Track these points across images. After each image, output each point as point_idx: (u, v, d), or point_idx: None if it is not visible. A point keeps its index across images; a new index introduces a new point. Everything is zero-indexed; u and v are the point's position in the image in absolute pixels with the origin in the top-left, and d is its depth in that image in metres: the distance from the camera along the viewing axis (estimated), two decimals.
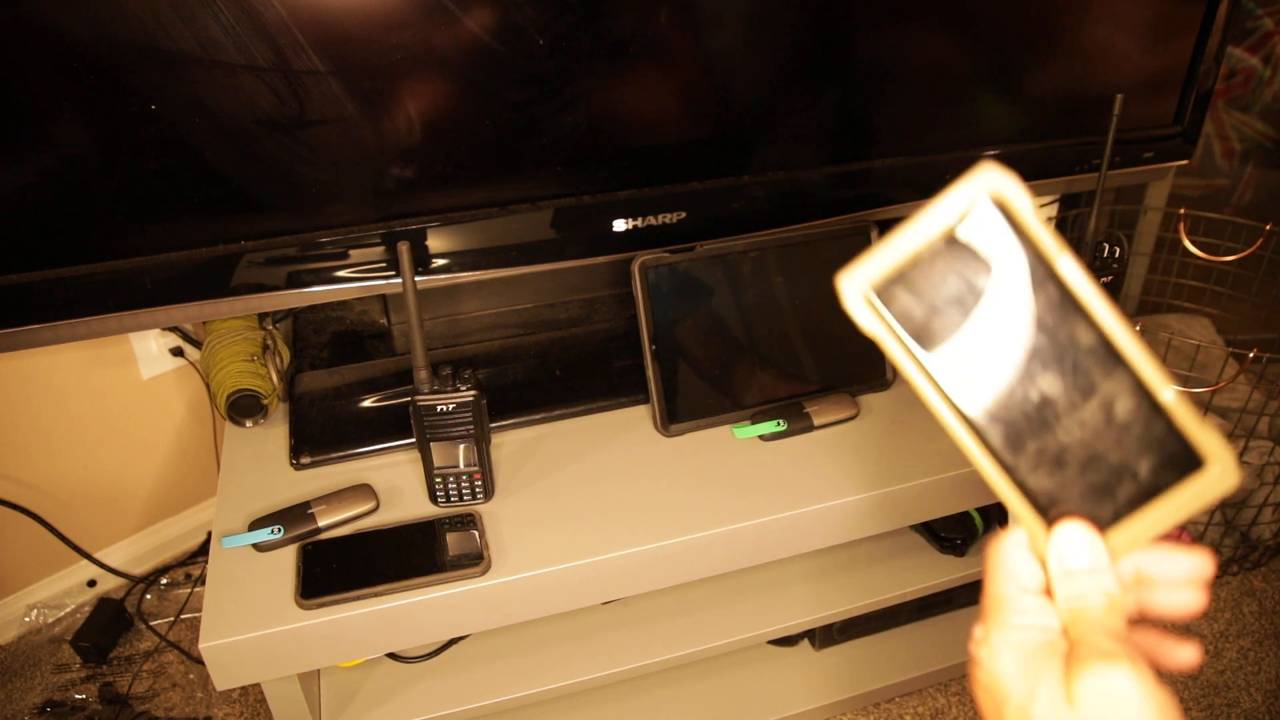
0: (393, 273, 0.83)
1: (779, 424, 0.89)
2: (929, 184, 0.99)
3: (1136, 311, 1.59)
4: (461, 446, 0.77)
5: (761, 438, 0.89)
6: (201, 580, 1.26)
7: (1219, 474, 0.31)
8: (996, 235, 0.31)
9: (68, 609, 1.22)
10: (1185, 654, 0.34)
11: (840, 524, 0.84)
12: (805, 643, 1.09)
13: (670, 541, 0.78)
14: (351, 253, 0.81)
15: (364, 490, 0.81)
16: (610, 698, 1.01)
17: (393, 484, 0.83)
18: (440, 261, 0.84)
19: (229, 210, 0.76)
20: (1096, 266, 0.92)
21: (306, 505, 0.78)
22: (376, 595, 0.72)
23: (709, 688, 1.03)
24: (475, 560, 0.74)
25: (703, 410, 0.90)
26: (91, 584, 1.24)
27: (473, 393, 0.74)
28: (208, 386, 0.95)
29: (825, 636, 1.07)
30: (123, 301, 0.76)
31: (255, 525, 0.77)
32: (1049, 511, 0.33)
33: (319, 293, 0.82)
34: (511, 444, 0.89)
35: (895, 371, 0.96)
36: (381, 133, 0.76)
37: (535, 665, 0.88)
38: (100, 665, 1.15)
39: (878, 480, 0.84)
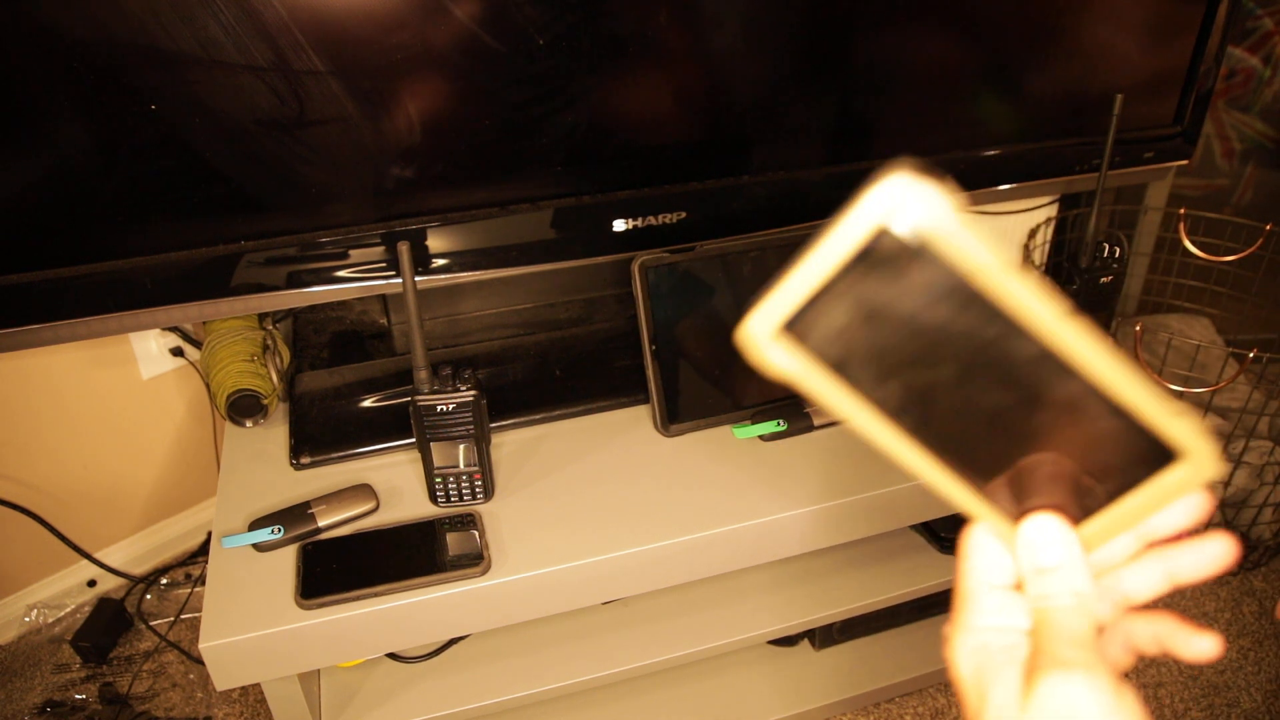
0: (393, 273, 0.83)
1: (779, 424, 0.89)
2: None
3: (1136, 311, 1.59)
4: (461, 446, 0.77)
5: (761, 438, 0.89)
6: (201, 580, 1.26)
7: (1196, 463, 0.30)
8: (912, 249, 0.27)
9: (68, 609, 1.22)
10: (1204, 644, 0.31)
11: (840, 524, 0.84)
12: (805, 643, 1.09)
13: (670, 541, 0.78)
14: (351, 253, 0.81)
15: (364, 490, 0.81)
16: (610, 698, 1.01)
17: (393, 484, 0.83)
18: (440, 261, 0.84)
19: (229, 210, 0.76)
20: (1096, 266, 0.92)
21: (306, 505, 0.78)
22: (376, 595, 0.72)
23: (709, 688, 1.03)
24: (475, 560, 0.74)
25: (703, 410, 0.90)
26: (91, 584, 1.24)
27: (473, 393, 0.74)
28: (208, 386, 0.95)
29: (825, 636, 1.07)
30: (123, 301, 0.76)
31: (255, 525, 0.77)
32: (1017, 507, 0.32)
33: (319, 293, 0.82)
34: (511, 444, 0.89)
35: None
36: (381, 133, 0.76)
37: (535, 665, 0.88)
38: (100, 665, 1.15)
39: (878, 480, 0.84)
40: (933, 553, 1.00)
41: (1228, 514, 1.27)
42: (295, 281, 0.81)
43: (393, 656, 0.89)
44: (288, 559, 0.75)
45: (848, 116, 0.93)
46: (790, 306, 0.29)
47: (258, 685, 0.89)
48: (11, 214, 0.70)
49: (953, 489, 0.31)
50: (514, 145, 0.81)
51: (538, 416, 0.91)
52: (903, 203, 0.27)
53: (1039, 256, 1.47)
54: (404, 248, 0.71)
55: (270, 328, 0.99)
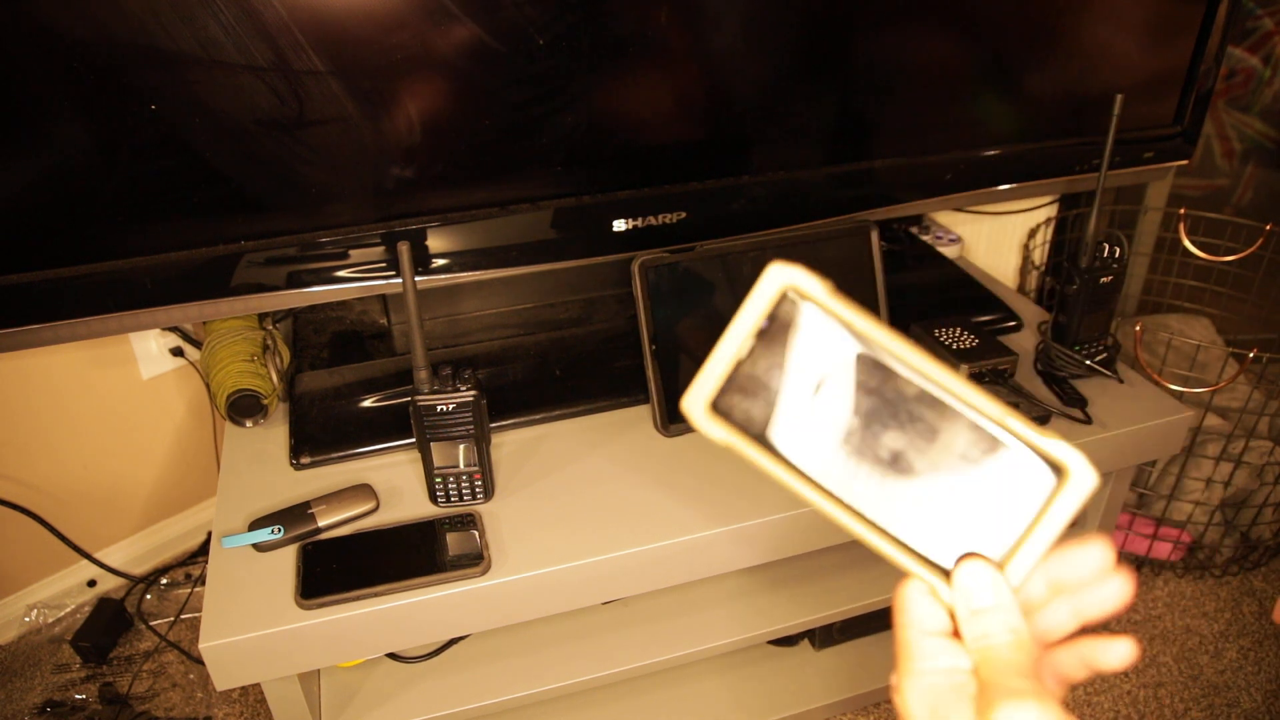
0: (393, 273, 0.83)
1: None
2: (929, 184, 1.00)
3: (1136, 311, 1.59)
4: (461, 446, 0.77)
5: None
6: (201, 580, 1.26)
7: (1078, 475, 0.32)
8: (800, 321, 0.33)
9: (68, 609, 1.22)
10: (1120, 651, 0.34)
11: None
12: (805, 643, 1.09)
13: (670, 541, 0.78)
14: (351, 253, 0.81)
15: (364, 490, 0.81)
16: (610, 698, 1.01)
17: (393, 484, 0.83)
18: (440, 261, 0.84)
19: (229, 210, 0.76)
20: (1096, 266, 0.92)
21: (306, 505, 0.78)
22: (376, 595, 0.72)
23: (709, 688, 1.03)
24: (475, 560, 0.74)
25: None
26: (91, 584, 1.24)
27: (473, 393, 0.74)
28: (208, 386, 0.95)
29: (825, 636, 1.07)
30: (123, 301, 0.76)
31: (255, 525, 0.77)
32: (943, 558, 0.34)
33: (319, 293, 0.82)
34: (511, 444, 0.89)
35: None
36: (381, 133, 0.76)
37: (535, 665, 0.88)
38: (100, 665, 1.15)
39: None
40: None
41: (1228, 514, 1.27)
42: (295, 281, 0.81)
43: (393, 656, 0.89)
44: (288, 559, 0.75)
45: (848, 117, 0.93)
46: (714, 384, 0.34)
47: (258, 685, 0.89)
48: (11, 214, 0.70)
49: (881, 544, 0.34)
50: (514, 145, 0.81)
51: (538, 416, 0.91)
52: (784, 282, 0.34)
53: (1039, 256, 1.47)
54: (404, 248, 0.71)
55: (270, 328, 0.99)
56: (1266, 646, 1.20)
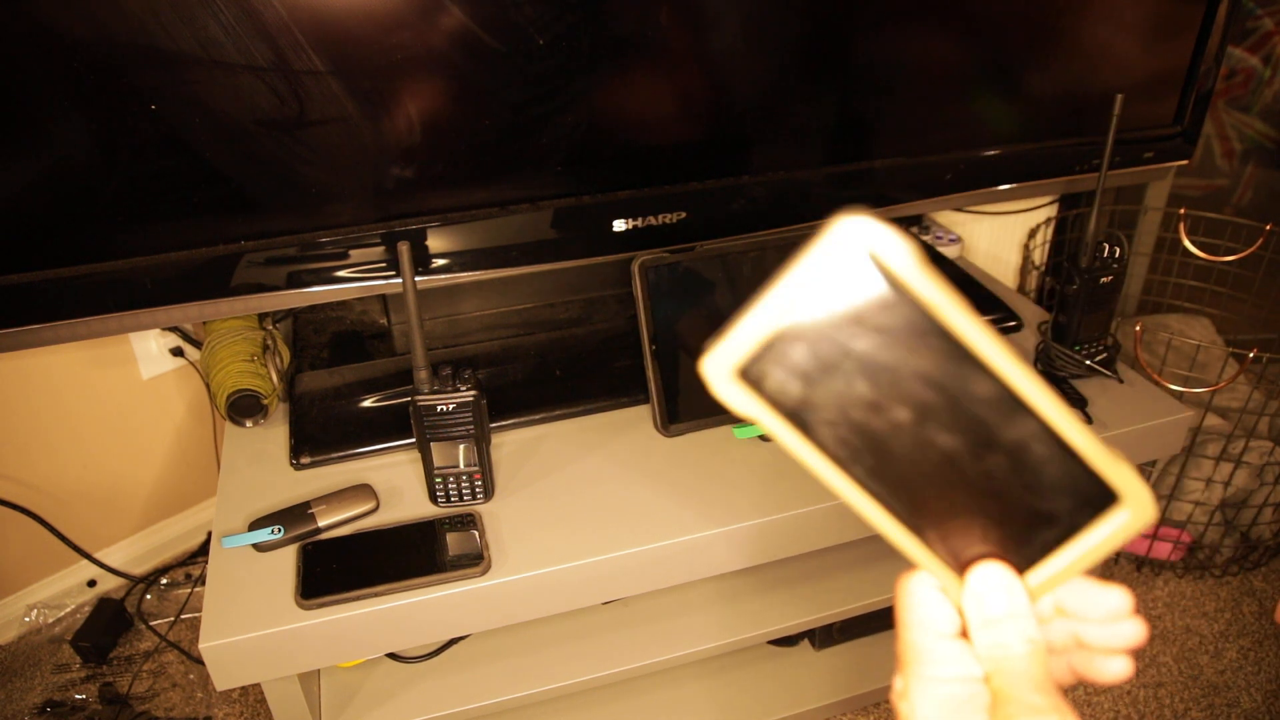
0: (393, 273, 0.83)
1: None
2: (929, 184, 1.00)
3: (1136, 311, 1.59)
4: (461, 446, 0.77)
5: (761, 438, 0.89)
6: (201, 580, 1.26)
7: (1135, 509, 0.30)
8: (871, 291, 0.27)
9: (68, 609, 1.22)
10: (1116, 666, 0.32)
11: (840, 524, 0.84)
12: (805, 643, 1.09)
13: (670, 541, 0.78)
14: (351, 253, 0.81)
15: (364, 490, 0.81)
16: (610, 698, 1.01)
17: (393, 484, 0.83)
18: (440, 261, 0.84)
19: (229, 210, 0.76)
20: (1096, 266, 0.92)
21: (306, 505, 0.78)
22: (376, 595, 0.72)
23: (709, 688, 1.03)
24: (475, 560, 0.74)
25: (703, 410, 0.90)
26: (91, 584, 1.24)
27: (473, 393, 0.74)
28: (208, 386, 0.95)
29: (825, 636, 1.07)
30: (123, 301, 0.76)
31: (255, 525, 0.77)
32: (961, 558, 0.32)
33: (319, 293, 0.82)
34: (511, 444, 0.89)
35: None
36: (381, 133, 0.76)
37: (535, 665, 0.88)
38: (100, 665, 1.15)
39: None
40: None
41: (1228, 514, 1.27)
42: (295, 281, 0.81)
43: (393, 656, 0.89)
44: (288, 559, 0.75)
45: (848, 117, 0.93)
46: (746, 348, 0.29)
47: (258, 685, 0.89)
48: (12, 214, 0.70)
49: (901, 538, 0.32)
50: (514, 145, 0.81)
51: (538, 416, 0.91)
52: (861, 242, 0.27)
53: (1039, 256, 1.47)
54: (404, 248, 0.71)
55: (270, 328, 0.99)
56: (1266, 646, 1.20)
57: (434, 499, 0.80)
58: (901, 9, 0.88)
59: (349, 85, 0.73)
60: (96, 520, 1.23)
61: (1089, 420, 0.91)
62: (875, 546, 1.01)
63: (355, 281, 0.82)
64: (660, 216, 0.89)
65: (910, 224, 1.32)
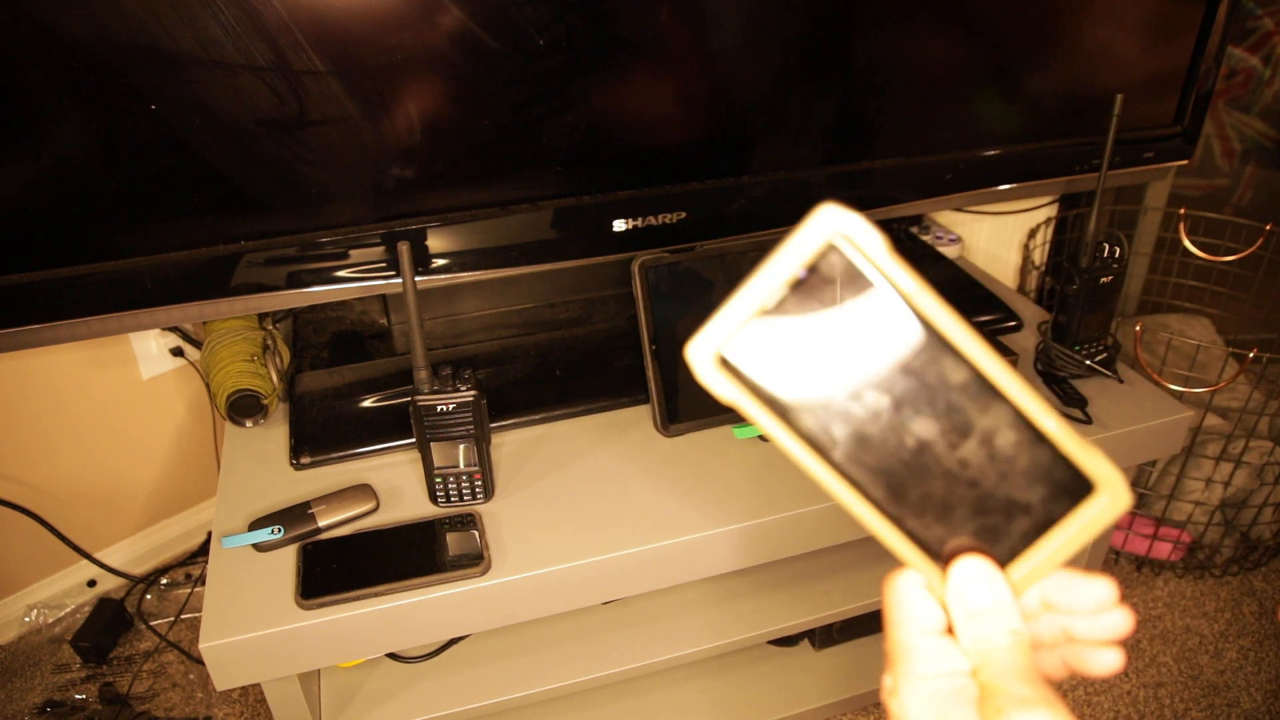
0: (393, 273, 0.83)
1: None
2: (929, 184, 1.00)
3: (1136, 311, 1.59)
4: (461, 446, 0.77)
5: (761, 438, 0.89)
6: (201, 580, 1.26)
7: (1111, 496, 0.31)
8: (847, 279, 0.29)
9: (68, 609, 1.22)
10: (1107, 658, 0.32)
11: (840, 524, 0.84)
12: (805, 643, 1.09)
13: (670, 541, 0.78)
14: (351, 253, 0.81)
15: (364, 490, 0.81)
16: (610, 698, 1.01)
17: (393, 484, 0.83)
18: (440, 261, 0.84)
19: (229, 210, 0.76)
20: (1096, 266, 0.92)
21: (306, 505, 0.78)
22: (376, 595, 0.72)
23: (709, 688, 1.03)
24: (475, 560, 0.74)
25: (703, 410, 0.90)
26: (91, 584, 1.24)
27: (473, 393, 0.74)
28: (208, 386, 0.95)
29: (825, 636, 1.07)
30: (123, 301, 0.76)
31: (255, 525, 0.77)
32: (942, 552, 0.32)
33: (319, 293, 0.82)
34: (511, 444, 0.89)
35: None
36: (381, 133, 0.76)
37: (535, 665, 0.88)
38: (100, 665, 1.15)
39: None
40: None
41: (1228, 514, 1.27)
42: (295, 281, 0.81)
43: (393, 656, 0.89)
44: (288, 559, 0.75)
45: (848, 116, 0.93)
46: (728, 334, 0.30)
47: (258, 685, 0.89)
48: (12, 214, 0.70)
49: (882, 529, 0.32)
50: (514, 145, 0.81)
51: (538, 416, 0.91)
52: (835, 230, 0.28)
53: (1039, 256, 1.47)
54: (404, 248, 0.71)
55: (270, 328, 0.99)
56: (1266, 646, 1.20)
57: (434, 499, 0.80)
58: (901, 9, 0.88)
59: (349, 85, 0.73)
60: (96, 520, 1.23)
61: (1089, 420, 0.91)
62: (874, 547, 1.00)
63: (355, 281, 0.82)
64: (660, 216, 0.89)
65: (910, 224, 1.33)
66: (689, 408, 0.90)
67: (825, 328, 0.29)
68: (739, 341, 0.30)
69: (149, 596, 1.25)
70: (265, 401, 0.90)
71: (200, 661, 1.14)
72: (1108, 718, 1.11)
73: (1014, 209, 1.46)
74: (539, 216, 0.85)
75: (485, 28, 0.75)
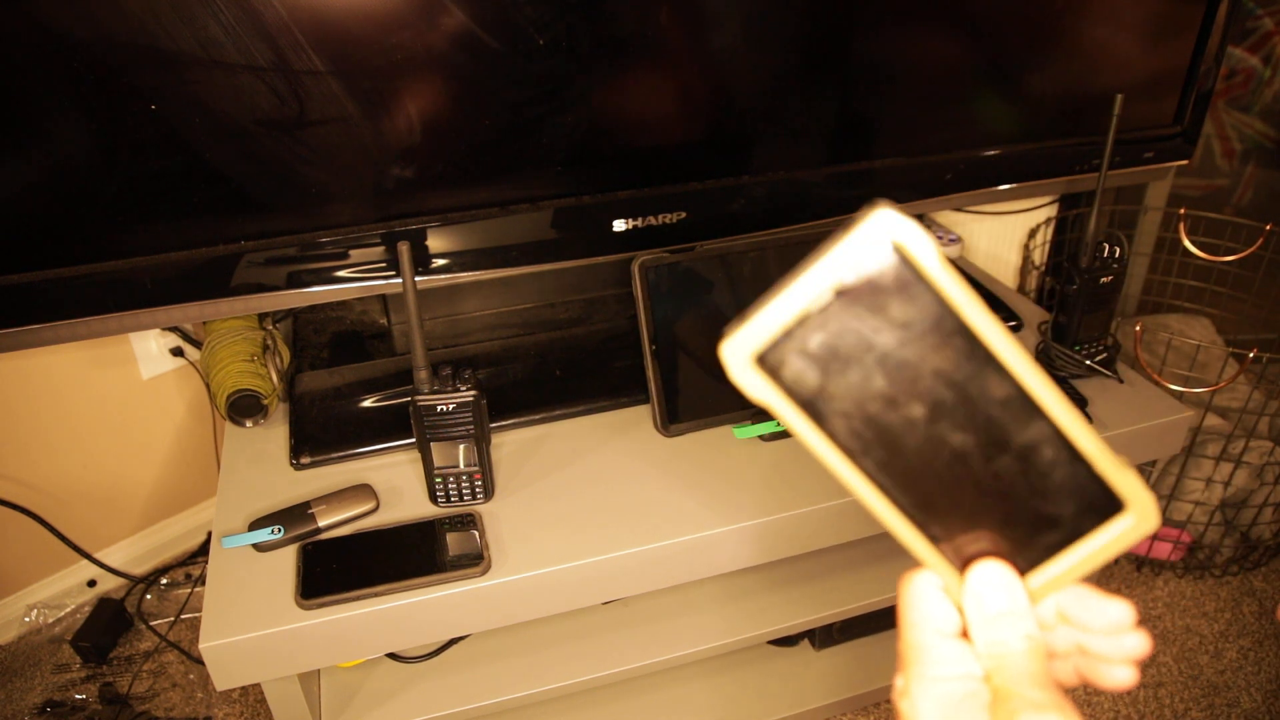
0: (393, 273, 0.83)
1: (779, 424, 0.89)
2: (929, 184, 1.00)
3: (1136, 311, 1.59)
4: (461, 446, 0.77)
5: (761, 438, 0.89)
6: (201, 580, 1.26)
7: (1140, 517, 0.31)
8: (895, 285, 0.28)
9: (68, 609, 1.22)
10: (1120, 674, 0.33)
11: (840, 524, 0.84)
12: (805, 643, 1.09)
13: (670, 541, 0.78)
14: (351, 253, 0.81)
15: (364, 490, 0.81)
16: (610, 698, 1.01)
17: (393, 484, 0.83)
18: (440, 261, 0.84)
19: (229, 210, 0.76)
20: (1096, 266, 0.92)
21: (306, 505, 0.78)
22: (376, 595, 0.72)
23: (709, 688, 1.03)
24: (475, 560, 0.74)
25: (703, 410, 0.90)
26: (91, 584, 1.24)
27: (473, 393, 0.74)
28: (208, 386, 0.95)
29: (825, 636, 1.07)
30: (123, 301, 0.76)
31: (255, 525, 0.77)
32: (962, 555, 0.32)
33: (319, 293, 0.82)
34: (511, 444, 0.89)
35: None
36: (381, 133, 0.76)
37: (535, 665, 0.88)
38: (100, 665, 1.15)
39: None
40: None
41: (1228, 514, 1.27)
42: (295, 281, 0.81)
43: (393, 656, 0.89)
44: (288, 559, 0.75)
45: (848, 116, 0.93)
46: (767, 335, 0.29)
47: (258, 685, 0.89)
48: (12, 214, 0.70)
49: (906, 533, 0.32)
50: (514, 145, 0.81)
51: (538, 416, 0.91)
52: (888, 236, 0.27)
53: (1039, 256, 1.47)
54: (404, 248, 0.71)
55: (270, 328, 0.99)
56: (1266, 646, 1.20)
57: (434, 499, 0.80)
58: (901, 9, 0.88)
59: (349, 85, 0.73)
60: (96, 520, 1.23)
61: (1089, 420, 0.91)
62: (876, 546, 1.01)
63: (355, 281, 0.82)
64: (660, 216, 0.89)
65: None
66: (689, 408, 0.90)
67: (869, 334, 0.29)
68: (777, 343, 0.29)
69: (149, 596, 1.25)
70: (265, 401, 0.90)
71: (200, 661, 1.14)
72: (1108, 717, 1.11)
73: (1014, 209, 1.46)
74: (539, 216, 0.85)
75: (485, 28, 0.75)
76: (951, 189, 1.01)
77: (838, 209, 0.96)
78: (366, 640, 0.73)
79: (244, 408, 0.90)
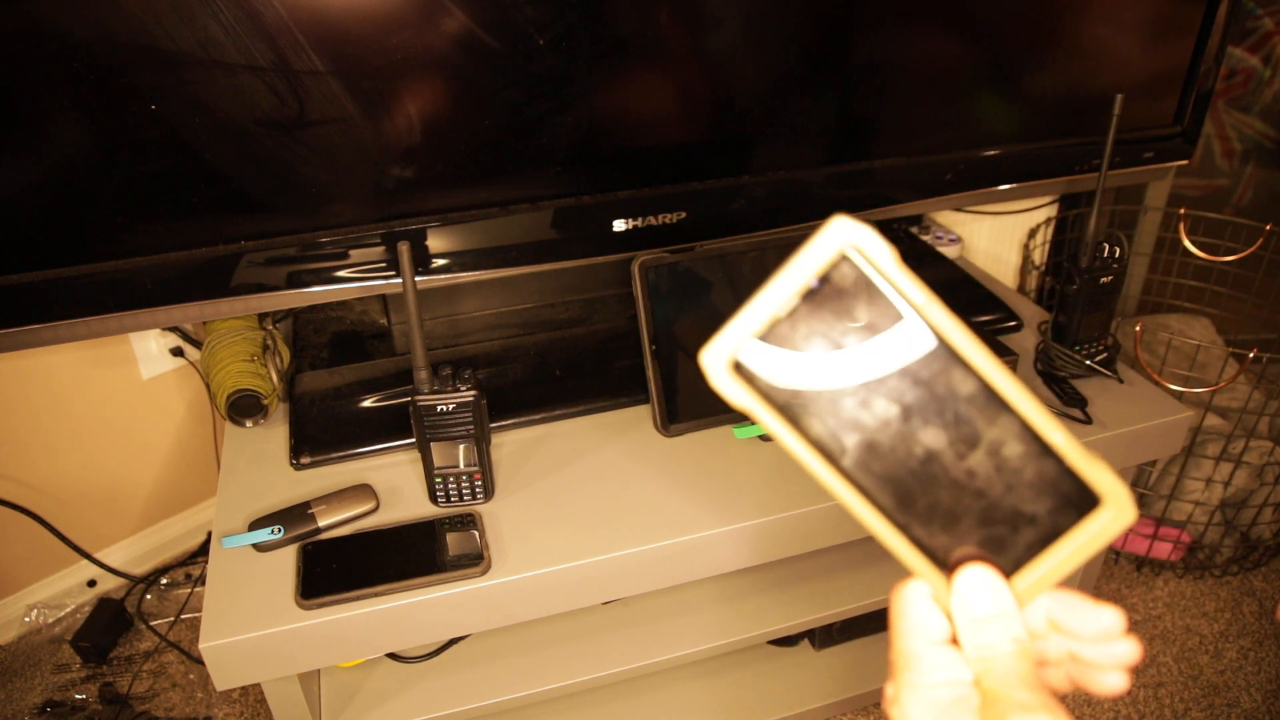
0: (393, 273, 0.83)
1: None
2: (929, 184, 1.00)
3: (1136, 311, 1.59)
4: (461, 446, 0.77)
5: (761, 438, 0.89)
6: (201, 580, 1.26)
7: (1116, 511, 0.31)
8: (857, 290, 0.30)
9: (68, 609, 1.22)
10: (1112, 680, 0.33)
11: (840, 525, 0.84)
12: (805, 643, 1.09)
13: (670, 541, 0.78)
14: (351, 253, 0.81)
15: (364, 490, 0.81)
16: (610, 698, 1.01)
17: (393, 484, 0.83)
18: (440, 261, 0.84)
19: (229, 210, 0.76)
20: (1096, 266, 0.92)
21: (306, 505, 0.78)
22: (376, 595, 0.72)
23: (709, 688, 1.03)
24: (475, 560, 0.74)
25: (703, 410, 0.90)
26: (91, 584, 1.24)
27: (473, 393, 0.74)
28: (208, 386, 0.95)
29: (825, 636, 1.07)
30: (123, 301, 0.76)
31: (255, 525, 0.77)
32: (948, 561, 0.32)
33: (319, 293, 0.82)
34: (511, 444, 0.89)
35: None
36: (381, 133, 0.76)
37: (535, 665, 0.88)
38: (100, 665, 1.15)
39: None
40: None
41: (1228, 514, 1.27)
42: (295, 281, 0.81)
43: (393, 656, 0.89)
44: (288, 559, 0.75)
45: (847, 117, 0.93)
46: (742, 342, 0.30)
47: (258, 685, 0.89)
48: (12, 214, 0.70)
49: (889, 536, 0.32)
50: (514, 145, 0.81)
51: (538, 416, 0.91)
52: (847, 242, 0.29)
53: (1039, 256, 1.47)
54: (404, 248, 0.71)
55: (270, 328, 0.99)
56: (1266, 646, 1.20)
57: (434, 499, 0.80)
58: (901, 9, 0.88)
59: (349, 85, 0.73)
60: (96, 520, 1.23)
61: (1089, 420, 0.91)
62: (875, 547, 1.00)
63: (355, 281, 0.82)
64: (660, 216, 0.89)
65: (910, 224, 1.33)
66: (689, 408, 0.90)
67: (836, 337, 0.30)
68: (752, 349, 0.31)
69: (149, 596, 1.25)
70: (265, 401, 0.90)
71: (200, 661, 1.14)
72: (1108, 717, 1.11)
73: (1014, 209, 1.46)
74: (539, 216, 0.85)
75: (485, 28, 0.75)
76: (951, 189, 1.01)
77: (838, 209, 0.95)
78: (366, 640, 0.73)
79: (244, 408, 0.90)
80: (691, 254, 0.88)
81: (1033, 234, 1.45)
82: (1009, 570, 0.32)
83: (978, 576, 0.32)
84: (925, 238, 1.32)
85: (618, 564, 0.77)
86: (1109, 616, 0.32)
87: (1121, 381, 0.97)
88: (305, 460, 0.85)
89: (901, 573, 0.34)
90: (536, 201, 0.84)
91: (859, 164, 0.95)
